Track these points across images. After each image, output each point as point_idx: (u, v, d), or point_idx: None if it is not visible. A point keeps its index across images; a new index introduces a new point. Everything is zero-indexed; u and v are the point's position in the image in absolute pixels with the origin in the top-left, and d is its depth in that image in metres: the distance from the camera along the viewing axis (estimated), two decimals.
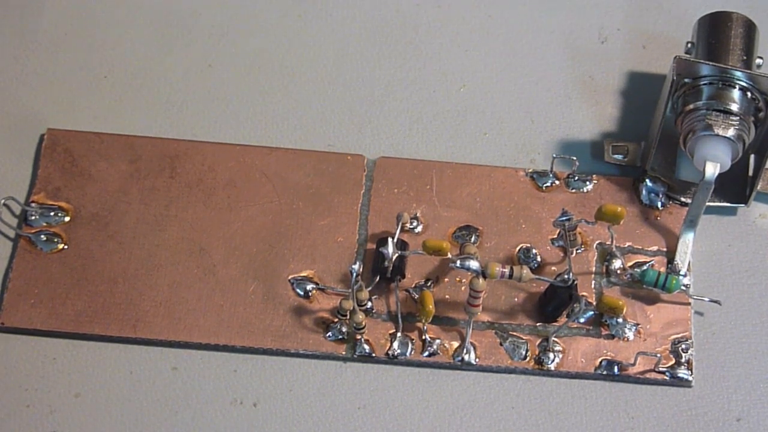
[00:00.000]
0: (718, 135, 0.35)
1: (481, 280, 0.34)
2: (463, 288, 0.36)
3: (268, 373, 0.35)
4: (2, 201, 0.36)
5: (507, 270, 0.34)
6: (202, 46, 0.40)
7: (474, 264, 0.34)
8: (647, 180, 0.37)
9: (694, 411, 0.34)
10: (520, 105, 0.40)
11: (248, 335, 0.35)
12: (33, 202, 0.37)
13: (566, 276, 0.35)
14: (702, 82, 0.35)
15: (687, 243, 0.36)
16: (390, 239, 0.35)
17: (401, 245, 0.36)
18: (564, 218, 0.35)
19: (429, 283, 0.36)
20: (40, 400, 0.34)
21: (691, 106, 0.35)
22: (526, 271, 0.34)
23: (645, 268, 0.36)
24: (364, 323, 0.35)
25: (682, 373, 0.35)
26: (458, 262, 0.34)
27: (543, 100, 0.40)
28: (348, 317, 0.35)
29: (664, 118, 0.36)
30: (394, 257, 0.35)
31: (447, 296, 0.36)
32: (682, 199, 0.37)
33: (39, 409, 0.34)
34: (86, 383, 0.35)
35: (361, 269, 0.34)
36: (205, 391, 0.35)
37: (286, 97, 0.40)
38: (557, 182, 0.38)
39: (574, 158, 0.37)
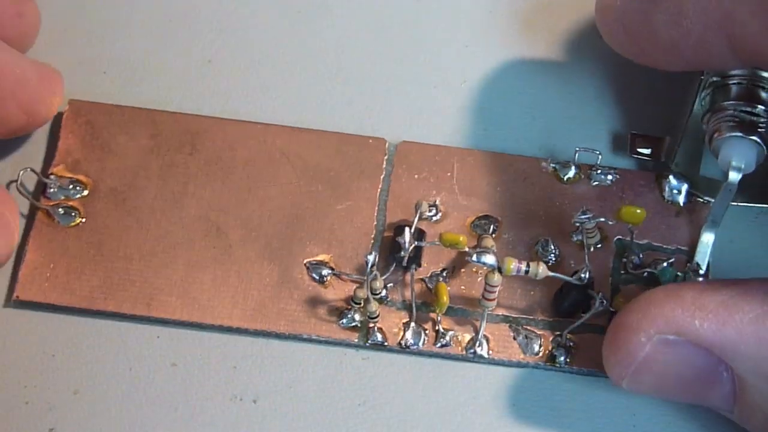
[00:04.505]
0: (743, 137, 0.34)
1: (496, 275, 0.34)
2: (479, 279, 0.36)
3: (268, 369, 0.35)
4: (21, 172, 0.36)
5: (523, 266, 0.34)
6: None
7: (490, 258, 0.34)
8: (671, 176, 0.37)
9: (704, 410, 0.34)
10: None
11: (262, 319, 0.35)
12: (52, 174, 0.37)
13: (582, 275, 0.34)
14: (731, 81, 0.35)
15: (707, 243, 0.36)
16: (407, 229, 0.35)
17: (418, 235, 0.35)
18: (584, 217, 0.35)
19: (445, 273, 0.36)
20: (39, 397, 0.34)
21: (719, 106, 0.35)
22: (542, 267, 0.34)
23: (663, 266, 0.36)
24: (377, 312, 0.34)
25: None
26: (474, 256, 0.34)
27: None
28: (362, 305, 0.35)
29: (690, 115, 0.36)
30: (411, 247, 0.35)
31: (462, 287, 0.35)
32: (705, 197, 0.37)
33: (38, 406, 0.34)
34: (85, 380, 0.35)
35: (376, 259, 0.34)
36: (205, 388, 0.35)
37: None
38: (580, 175, 0.37)
39: (598, 151, 0.37)
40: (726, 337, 0.31)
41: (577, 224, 0.35)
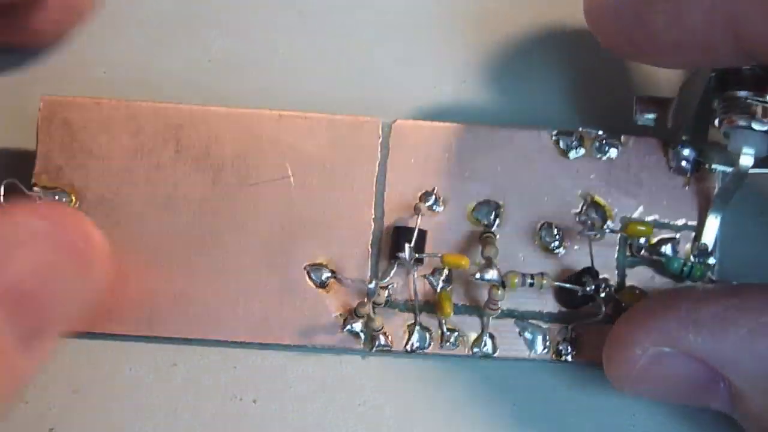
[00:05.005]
0: (755, 129, 0.32)
1: (500, 290, 0.33)
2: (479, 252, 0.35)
3: (268, 369, 0.35)
4: (2, 186, 0.34)
5: (528, 279, 0.33)
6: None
7: (494, 274, 0.33)
8: (678, 145, 0.36)
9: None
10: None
11: (266, 332, 0.35)
12: (35, 185, 0.35)
13: (588, 288, 0.34)
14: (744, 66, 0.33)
15: (715, 222, 0.35)
16: (407, 246, 0.34)
17: (420, 235, 0.34)
18: (590, 232, 0.34)
19: (448, 270, 0.35)
20: (38, 397, 0.35)
21: (729, 94, 0.33)
22: (546, 281, 0.33)
23: (671, 255, 0.35)
24: (382, 326, 0.34)
25: None
26: (478, 274, 0.33)
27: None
28: (365, 319, 0.34)
29: (700, 95, 0.34)
30: (413, 261, 0.34)
31: (466, 285, 0.35)
32: (714, 166, 0.35)
33: (37, 406, 0.35)
34: (85, 379, 0.35)
35: (377, 286, 0.33)
36: (205, 388, 0.35)
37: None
38: (582, 149, 0.36)
39: (600, 132, 0.35)
40: (721, 351, 0.31)
41: (582, 235, 0.34)
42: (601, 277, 0.34)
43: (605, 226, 0.35)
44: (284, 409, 0.35)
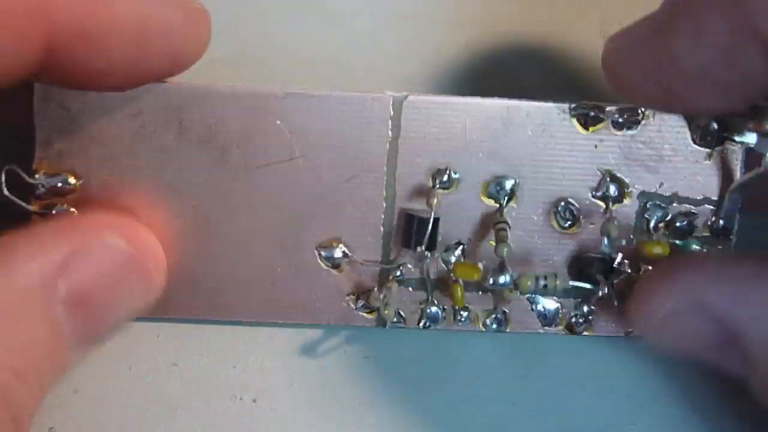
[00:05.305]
0: None
1: (513, 293, 0.33)
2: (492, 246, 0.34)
3: (268, 369, 0.35)
4: (3, 172, 0.33)
5: (542, 281, 0.33)
6: None
7: (506, 279, 0.32)
8: (701, 117, 0.34)
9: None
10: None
11: (280, 311, 0.35)
12: (36, 172, 0.34)
13: (603, 292, 0.33)
14: None
15: (735, 204, 0.34)
16: (419, 248, 0.33)
17: (433, 225, 0.33)
18: (606, 250, 0.33)
19: (461, 249, 0.34)
20: None
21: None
22: (560, 281, 0.33)
23: (688, 240, 0.34)
24: (394, 316, 0.34)
25: None
26: (491, 280, 0.32)
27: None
28: (378, 304, 0.34)
29: None
30: (428, 254, 0.33)
31: (478, 258, 0.34)
32: (737, 138, 0.34)
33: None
34: (85, 379, 0.35)
35: (386, 296, 0.33)
36: (205, 387, 0.35)
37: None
38: (601, 122, 0.34)
39: (620, 107, 0.33)
40: (741, 313, 0.31)
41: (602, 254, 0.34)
42: (615, 262, 0.34)
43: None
44: (284, 409, 0.35)
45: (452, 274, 0.33)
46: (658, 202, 0.34)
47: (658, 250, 0.33)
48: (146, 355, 0.35)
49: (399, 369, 0.35)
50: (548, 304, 0.35)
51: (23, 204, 0.34)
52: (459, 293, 0.34)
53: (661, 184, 0.34)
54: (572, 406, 0.35)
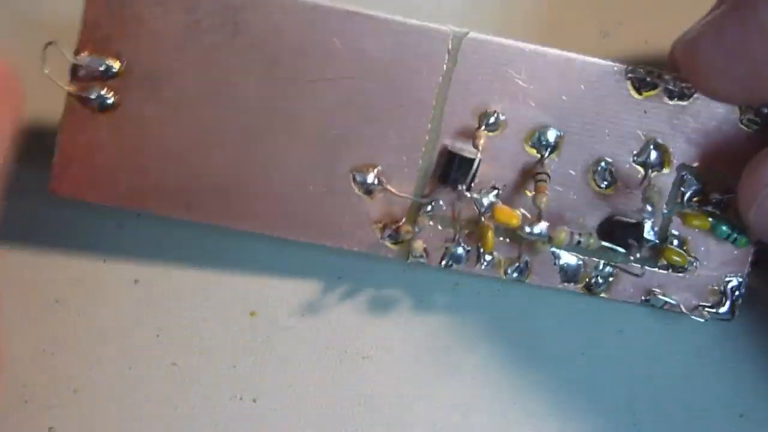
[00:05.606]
0: None
1: (545, 245, 0.33)
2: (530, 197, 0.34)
3: (268, 369, 0.35)
4: (45, 49, 0.32)
5: (576, 237, 0.33)
6: None
7: (542, 229, 0.32)
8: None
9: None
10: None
11: (305, 230, 0.34)
12: (80, 53, 0.33)
13: (639, 273, 0.34)
14: None
15: None
16: (460, 186, 0.33)
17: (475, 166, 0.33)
18: (648, 217, 0.33)
19: (496, 193, 0.34)
20: (38, 396, 0.34)
21: None
22: (593, 240, 0.33)
23: (719, 219, 0.34)
24: (422, 252, 0.34)
25: (724, 311, 0.35)
26: (527, 229, 0.32)
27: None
28: (407, 236, 0.34)
29: None
30: (467, 194, 0.33)
31: (511, 206, 0.34)
32: None
33: (37, 405, 0.34)
34: (85, 379, 0.34)
35: (420, 230, 0.33)
36: (205, 387, 0.35)
37: None
38: (655, 89, 0.34)
39: (676, 76, 0.33)
40: None
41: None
42: (645, 230, 0.34)
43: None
44: (284, 409, 0.35)
45: (488, 218, 0.33)
46: (695, 176, 0.34)
47: (698, 223, 0.33)
48: (146, 355, 0.35)
49: (397, 369, 0.35)
50: (571, 259, 0.35)
51: (60, 84, 0.33)
52: (490, 237, 0.34)
53: (702, 159, 0.34)
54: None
